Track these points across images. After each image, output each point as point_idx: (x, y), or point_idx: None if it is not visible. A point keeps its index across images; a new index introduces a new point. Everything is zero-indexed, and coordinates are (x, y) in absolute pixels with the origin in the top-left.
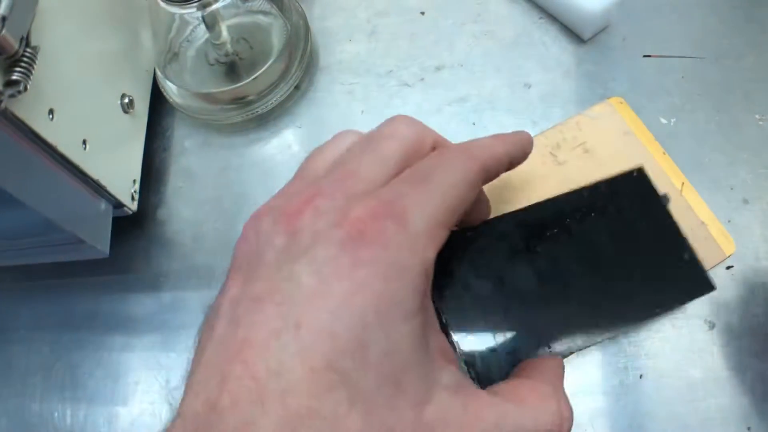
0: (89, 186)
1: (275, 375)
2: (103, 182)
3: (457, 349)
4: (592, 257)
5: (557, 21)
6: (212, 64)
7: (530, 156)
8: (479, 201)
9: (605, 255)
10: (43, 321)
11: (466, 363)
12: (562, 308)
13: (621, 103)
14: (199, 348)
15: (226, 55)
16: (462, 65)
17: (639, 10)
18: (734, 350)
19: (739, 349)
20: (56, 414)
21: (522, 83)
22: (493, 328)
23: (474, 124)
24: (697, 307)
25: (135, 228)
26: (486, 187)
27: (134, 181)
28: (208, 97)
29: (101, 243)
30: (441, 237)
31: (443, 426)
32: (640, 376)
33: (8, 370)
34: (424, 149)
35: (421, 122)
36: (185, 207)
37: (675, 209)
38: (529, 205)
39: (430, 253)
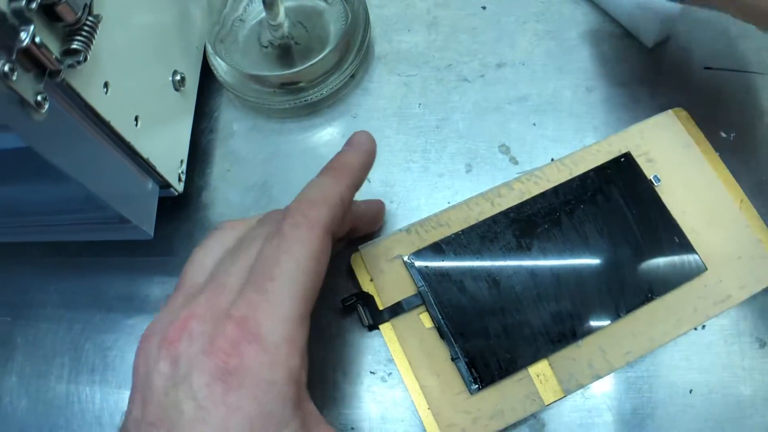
0: (138, 164)
1: None
2: (153, 161)
3: (458, 353)
4: (584, 248)
5: (621, 26)
6: (265, 47)
7: (595, 161)
8: (360, 216)
9: (597, 245)
10: (73, 299)
11: (467, 364)
12: (557, 302)
13: (684, 114)
14: None
15: (282, 38)
16: (523, 64)
17: (703, 22)
18: None
19: None
20: (84, 396)
21: (584, 86)
22: (491, 329)
23: (534, 125)
24: (750, 325)
25: (178, 210)
26: None
27: (181, 161)
28: (258, 79)
29: (146, 224)
30: (302, 331)
31: None
32: (690, 391)
33: (33, 348)
34: None
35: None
36: (231, 191)
37: (733, 226)
38: (520, 203)
39: (294, 359)
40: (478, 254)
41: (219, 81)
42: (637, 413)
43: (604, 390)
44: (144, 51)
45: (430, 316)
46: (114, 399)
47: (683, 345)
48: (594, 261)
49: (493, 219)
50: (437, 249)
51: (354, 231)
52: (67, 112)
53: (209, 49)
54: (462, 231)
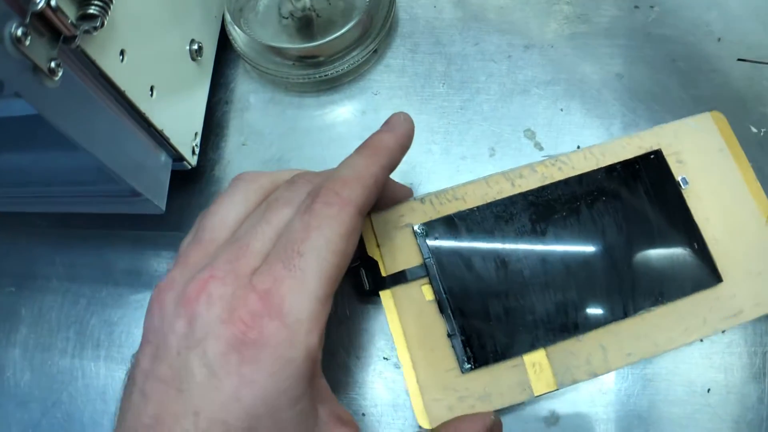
0: (151, 136)
1: None
2: (167, 133)
3: (455, 330)
4: (600, 241)
5: (652, 12)
6: (285, 18)
7: (624, 154)
8: (390, 189)
9: (613, 240)
10: (79, 273)
11: (463, 342)
12: (564, 293)
13: (721, 118)
14: (122, 410)
15: (303, 9)
16: (552, 46)
17: (737, 12)
18: None
19: None
20: (89, 371)
21: (614, 73)
22: (492, 310)
23: (562, 110)
24: None
25: (189, 183)
26: None
27: (196, 134)
28: (276, 51)
29: (158, 198)
30: (325, 310)
31: None
32: (708, 390)
33: (38, 321)
34: None
35: (321, 175)
36: (246, 166)
37: (756, 240)
38: (541, 186)
39: (313, 338)
40: (490, 233)
41: (236, 51)
42: (653, 409)
43: (620, 386)
44: (161, 18)
45: (433, 289)
46: (119, 375)
47: (705, 343)
48: (608, 256)
49: (511, 199)
50: (449, 222)
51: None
52: (80, 80)
53: (227, 18)
54: (477, 208)
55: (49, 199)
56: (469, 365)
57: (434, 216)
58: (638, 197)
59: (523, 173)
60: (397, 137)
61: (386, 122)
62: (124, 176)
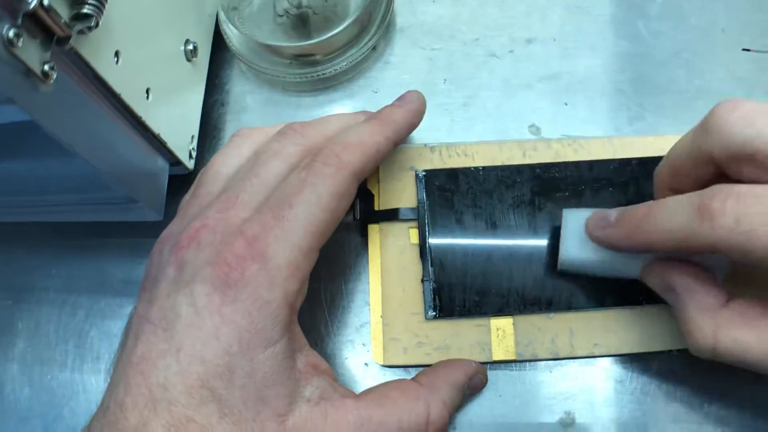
0: (147, 141)
1: (162, 388)
2: (164, 137)
3: (429, 275)
4: None
5: (655, 3)
6: (280, 15)
7: (643, 152)
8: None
9: None
10: (77, 283)
11: (434, 290)
12: (545, 269)
13: None
14: (118, 353)
15: (298, 7)
16: (554, 40)
17: (740, 2)
18: None
19: None
20: (90, 385)
21: (617, 66)
22: (471, 267)
23: (566, 104)
24: None
25: (186, 188)
26: None
27: (192, 137)
28: (272, 50)
29: (156, 205)
30: (307, 261)
31: None
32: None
33: (36, 335)
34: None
35: (316, 129)
36: None
37: None
38: (551, 162)
39: (293, 284)
40: (489, 194)
41: (231, 51)
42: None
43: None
44: (156, 17)
45: (419, 234)
46: None
47: None
48: None
49: (518, 168)
50: (452, 175)
51: None
52: (74, 83)
53: (222, 16)
54: (483, 168)
55: (44, 209)
56: (434, 313)
57: (439, 166)
58: (645, 196)
59: (537, 146)
60: (406, 112)
61: (399, 97)
62: (120, 183)
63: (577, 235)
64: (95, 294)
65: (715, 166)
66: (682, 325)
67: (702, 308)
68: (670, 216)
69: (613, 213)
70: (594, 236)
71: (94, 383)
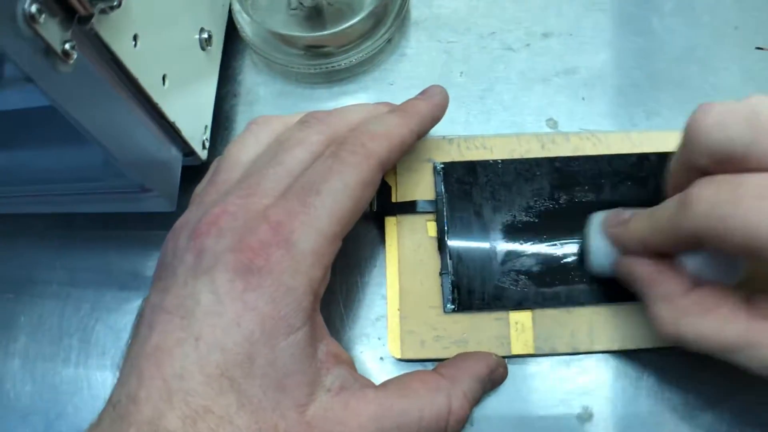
0: (162, 129)
1: (179, 378)
2: (178, 125)
3: (448, 269)
4: None
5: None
6: (294, 8)
7: (663, 147)
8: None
9: None
10: (82, 276)
11: (452, 283)
12: (564, 263)
13: None
14: (128, 344)
15: None
16: (571, 34)
17: (754, 0)
18: None
19: None
20: (94, 381)
21: (633, 61)
22: (490, 261)
23: (583, 99)
24: None
25: (196, 179)
26: None
27: (206, 127)
28: (285, 40)
29: (169, 195)
30: (332, 248)
31: (323, 423)
32: None
33: (39, 329)
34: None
35: (339, 118)
36: None
37: None
38: (570, 156)
39: (317, 271)
40: (507, 188)
41: (244, 41)
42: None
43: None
44: (173, 2)
45: (437, 227)
46: None
47: None
48: None
49: (537, 161)
50: (470, 168)
51: None
52: (92, 66)
53: (235, 6)
54: (502, 160)
55: (52, 198)
56: (453, 306)
57: (458, 158)
58: (664, 191)
59: (556, 139)
60: (430, 106)
61: (423, 91)
62: (135, 171)
63: (602, 238)
64: (101, 287)
65: (706, 171)
66: (648, 314)
67: (663, 297)
68: (661, 212)
69: (628, 212)
70: (609, 234)
71: (99, 379)
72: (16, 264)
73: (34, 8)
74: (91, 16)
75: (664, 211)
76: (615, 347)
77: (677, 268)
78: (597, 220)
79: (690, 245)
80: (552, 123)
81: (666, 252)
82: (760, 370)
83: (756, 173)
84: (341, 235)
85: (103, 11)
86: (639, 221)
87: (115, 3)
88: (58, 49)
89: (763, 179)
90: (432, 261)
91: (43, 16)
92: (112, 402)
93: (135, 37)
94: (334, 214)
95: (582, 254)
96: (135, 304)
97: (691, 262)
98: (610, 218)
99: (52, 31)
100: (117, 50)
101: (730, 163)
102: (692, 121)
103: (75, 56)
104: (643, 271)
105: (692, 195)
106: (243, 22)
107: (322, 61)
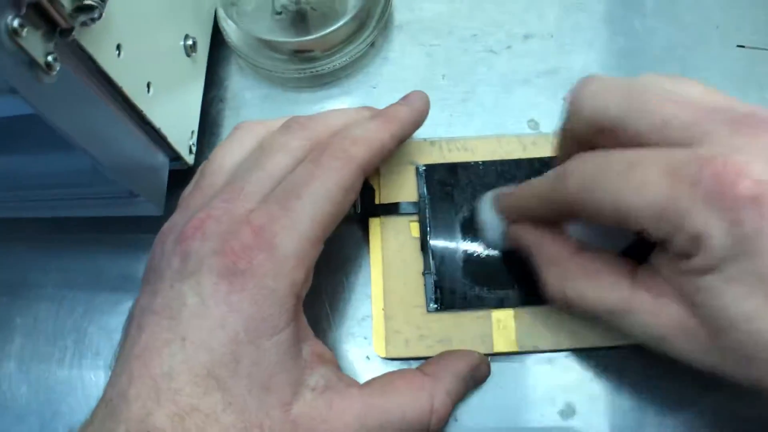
0: (148, 135)
1: (167, 377)
2: (164, 131)
3: (431, 268)
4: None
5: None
6: (279, 13)
7: None
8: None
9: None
10: (75, 279)
11: (435, 282)
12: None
13: None
14: (120, 345)
15: (297, 3)
16: (552, 36)
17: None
18: None
19: None
20: (88, 381)
21: (614, 62)
22: (472, 260)
23: (564, 100)
24: None
25: (183, 184)
26: None
27: (192, 132)
28: (270, 45)
29: (156, 199)
30: (313, 251)
31: (308, 421)
32: None
33: (33, 332)
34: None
35: (321, 123)
36: None
37: None
38: (551, 157)
39: (299, 273)
40: (489, 188)
41: (230, 47)
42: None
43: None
44: (156, 11)
45: (420, 228)
46: None
47: None
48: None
49: (517, 162)
50: (452, 170)
51: None
52: (76, 76)
53: (220, 12)
54: (483, 162)
55: (42, 203)
56: (436, 305)
57: (439, 160)
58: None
59: (536, 141)
60: (411, 111)
61: (405, 97)
62: (122, 177)
63: (492, 213)
64: (93, 290)
65: (588, 142)
66: (538, 279)
67: (550, 260)
68: (541, 183)
69: (513, 187)
70: (498, 208)
71: (92, 379)
72: (11, 267)
73: (16, 23)
74: (72, 28)
75: (544, 182)
76: (597, 344)
77: (563, 233)
78: (488, 197)
79: (569, 215)
80: (533, 124)
81: (551, 220)
82: (641, 336)
83: (624, 149)
84: (323, 238)
85: (84, 24)
86: (522, 191)
87: (95, 15)
88: (42, 61)
89: (628, 154)
90: (415, 261)
91: (26, 30)
92: (104, 400)
93: (118, 47)
94: (315, 218)
95: (477, 231)
96: (126, 306)
97: (573, 229)
98: (499, 193)
99: (34, 44)
100: (100, 60)
101: (606, 134)
102: (575, 89)
103: (58, 68)
104: (528, 236)
105: (567, 168)
106: (228, 28)
107: (307, 65)
